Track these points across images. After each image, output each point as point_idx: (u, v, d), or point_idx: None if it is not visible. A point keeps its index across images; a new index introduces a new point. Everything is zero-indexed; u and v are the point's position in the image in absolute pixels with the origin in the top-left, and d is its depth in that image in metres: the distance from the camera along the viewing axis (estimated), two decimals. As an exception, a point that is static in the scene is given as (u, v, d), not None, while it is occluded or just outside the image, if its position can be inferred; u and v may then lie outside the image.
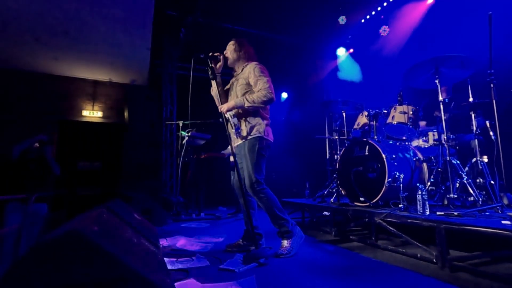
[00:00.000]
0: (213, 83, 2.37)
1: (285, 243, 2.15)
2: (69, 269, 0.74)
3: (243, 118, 2.24)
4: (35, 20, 4.16)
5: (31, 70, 5.82)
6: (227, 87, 2.47)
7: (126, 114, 6.33)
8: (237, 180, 2.22)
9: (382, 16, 4.95)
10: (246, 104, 2.17)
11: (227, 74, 2.52)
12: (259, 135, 2.20)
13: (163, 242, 2.58)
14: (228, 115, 2.23)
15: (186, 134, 4.36)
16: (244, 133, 2.22)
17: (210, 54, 2.31)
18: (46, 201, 3.69)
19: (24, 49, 5.03)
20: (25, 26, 4.31)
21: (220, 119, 2.30)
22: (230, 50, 2.39)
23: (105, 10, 4.06)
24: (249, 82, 2.25)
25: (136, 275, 0.87)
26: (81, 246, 0.77)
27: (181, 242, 2.65)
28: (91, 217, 1.22)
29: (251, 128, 2.21)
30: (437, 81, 2.55)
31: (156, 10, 4.25)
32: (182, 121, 4.79)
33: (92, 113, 6.30)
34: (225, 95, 2.42)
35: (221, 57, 2.34)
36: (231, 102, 2.24)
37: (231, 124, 2.23)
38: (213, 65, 2.30)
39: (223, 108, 2.26)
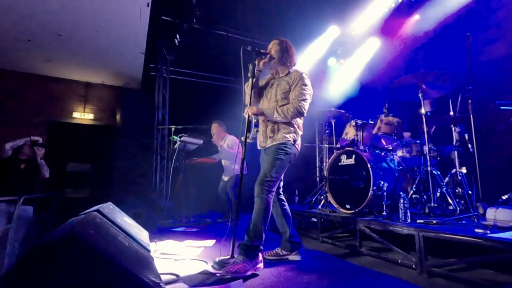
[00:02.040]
0: (250, 80, 2.22)
1: (240, 259, 1.87)
2: (69, 269, 0.79)
3: (279, 125, 2.17)
4: (28, 21, 4.16)
5: (22, 70, 5.77)
6: (262, 84, 2.37)
7: (118, 117, 6.32)
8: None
9: (371, 30, 5.13)
10: (275, 116, 2.11)
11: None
12: (290, 142, 2.14)
13: (153, 246, 2.61)
14: (253, 119, 2.17)
15: (178, 139, 4.40)
16: (276, 139, 2.14)
17: (256, 49, 2.20)
18: (33, 203, 3.65)
19: (16, 50, 4.99)
20: (18, 27, 4.30)
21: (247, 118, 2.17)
22: (275, 50, 2.27)
23: (101, 14, 4.09)
24: (292, 89, 2.17)
25: (130, 276, 0.93)
26: (81, 248, 0.82)
27: (170, 246, 2.68)
28: (86, 221, 1.27)
29: (284, 133, 2.14)
30: (420, 95, 2.69)
31: (152, 15, 4.31)
32: (174, 126, 4.84)
33: (83, 115, 6.26)
34: (258, 95, 2.34)
35: (268, 56, 2.23)
36: (260, 110, 2.17)
37: (250, 129, 2.15)
38: (256, 61, 2.21)
39: (251, 110, 2.16)
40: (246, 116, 2.18)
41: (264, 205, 1.98)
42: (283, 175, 2.26)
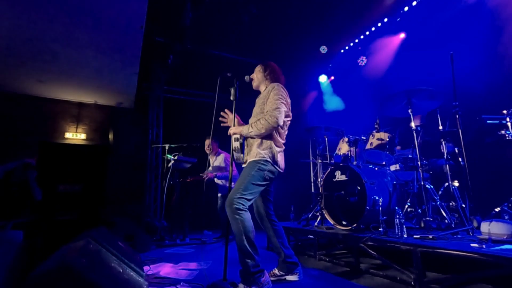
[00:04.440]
0: (234, 103, 2.31)
1: (242, 287, 1.84)
2: (59, 303, 0.77)
3: (253, 141, 2.15)
4: (22, 45, 4.19)
5: (13, 91, 5.75)
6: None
7: (111, 136, 6.28)
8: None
9: (360, 48, 5.32)
10: (250, 131, 2.10)
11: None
12: (265, 158, 2.06)
13: (147, 270, 2.54)
14: (233, 138, 2.21)
15: (172, 158, 4.38)
16: (251, 155, 2.12)
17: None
18: (22, 228, 3.54)
19: (8, 72, 4.99)
20: (11, 51, 4.32)
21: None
22: (256, 72, 2.39)
23: (95, 38, 4.15)
24: (266, 101, 2.16)
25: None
26: (73, 280, 0.80)
27: (165, 269, 2.61)
28: (78, 248, 1.24)
29: (257, 150, 2.10)
30: (409, 110, 2.75)
31: (146, 37, 4.38)
32: (168, 144, 4.82)
33: (75, 135, 6.21)
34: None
35: (248, 78, 2.35)
36: (239, 128, 2.19)
37: (233, 148, 2.19)
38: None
39: (231, 130, 2.23)
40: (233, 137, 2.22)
41: (240, 224, 1.88)
42: (271, 194, 2.30)
